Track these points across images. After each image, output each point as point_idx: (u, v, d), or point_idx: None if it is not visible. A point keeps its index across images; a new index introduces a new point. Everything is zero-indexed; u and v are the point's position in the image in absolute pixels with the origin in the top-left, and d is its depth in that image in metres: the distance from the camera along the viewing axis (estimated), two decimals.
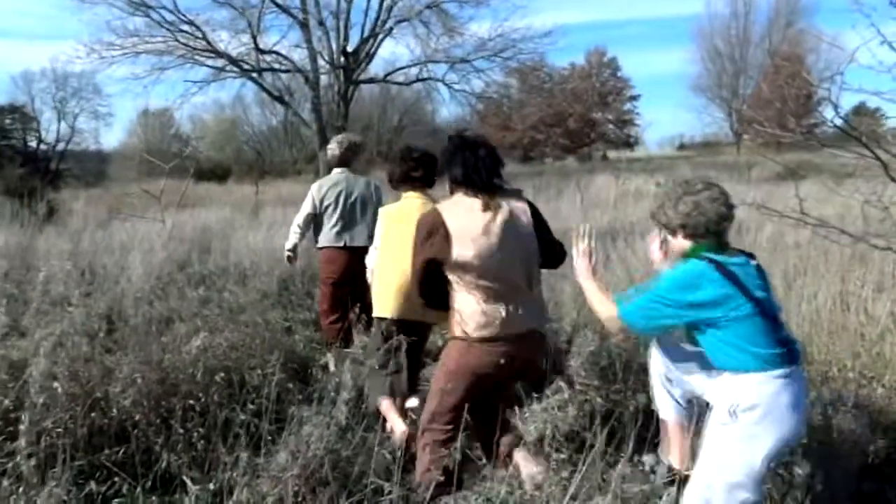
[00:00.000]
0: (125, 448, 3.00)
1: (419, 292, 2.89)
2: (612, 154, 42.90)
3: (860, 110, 21.68)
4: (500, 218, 2.78)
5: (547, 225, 2.95)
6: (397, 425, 3.41)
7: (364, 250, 4.04)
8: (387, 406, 3.52)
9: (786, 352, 2.35)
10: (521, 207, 2.87)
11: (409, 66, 27.76)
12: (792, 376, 2.33)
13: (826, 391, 3.72)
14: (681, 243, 2.51)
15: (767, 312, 2.36)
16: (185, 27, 23.86)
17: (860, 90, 4.05)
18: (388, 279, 3.53)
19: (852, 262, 5.43)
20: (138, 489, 2.83)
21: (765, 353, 2.32)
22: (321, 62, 25.41)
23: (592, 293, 2.72)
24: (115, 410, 3.19)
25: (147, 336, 3.96)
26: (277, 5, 24.41)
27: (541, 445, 2.61)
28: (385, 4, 25.51)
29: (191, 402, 3.29)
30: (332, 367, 4.34)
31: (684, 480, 2.56)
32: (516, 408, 2.72)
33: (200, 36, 24.06)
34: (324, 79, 25.96)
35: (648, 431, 2.92)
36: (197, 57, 24.50)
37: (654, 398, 2.94)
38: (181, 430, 3.11)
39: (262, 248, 7.79)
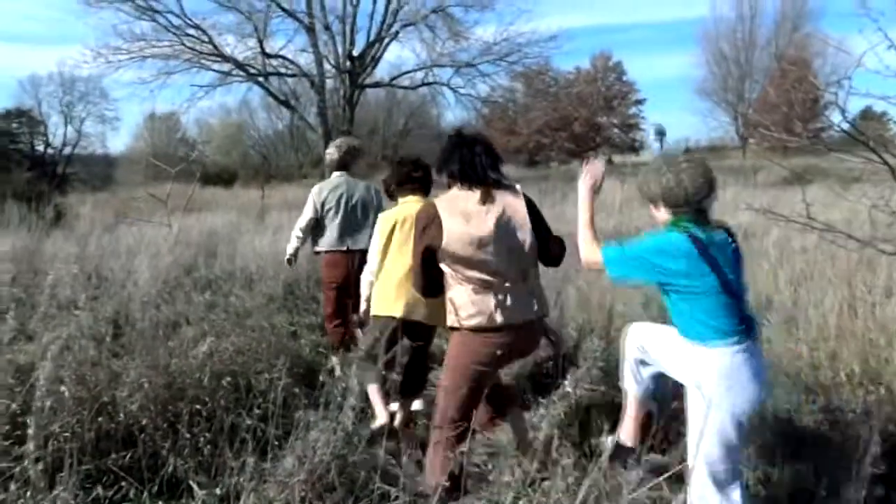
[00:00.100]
0: (132, 452, 3.00)
1: (418, 281, 2.97)
2: (617, 158, 42.77)
3: (867, 114, 21.66)
4: (494, 211, 2.84)
5: (544, 220, 3.00)
6: (379, 412, 3.53)
7: (366, 254, 4.06)
8: (373, 391, 3.63)
9: (744, 328, 2.46)
10: (516, 202, 2.91)
11: (414, 71, 27.94)
12: (750, 350, 2.45)
13: (834, 396, 3.70)
14: (662, 215, 2.58)
15: (734, 292, 2.45)
16: (192, 31, 24.06)
17: (867, 94, 4.06)
18: (391, 280, 3.57)
19: (859, 267, 5.40)
20: (145, 494, 2.84)
21: (725, 327, 2.43)
22: (327, 66, 25.55)
23: (584, 224, 2.77)
24: (122, 415, 3.19)
25: (154, 340, 3.96)
26: (284, 10, 24.56)
27: (548, 450, 2.60)
28: (391, 9, 25.64)
29: (197, 406, 3.29)
30: (338, 371, 4.34)
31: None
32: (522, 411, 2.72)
33: (207, 40, 24.22)
34: (329, 83, 26.09)
35: (654, 438, 2.91)
36: (203, 61, 24.67)
37: (622, 373, 2.96)
38: (188, 435, 3.11)
39: (268, 253, 7.81)
